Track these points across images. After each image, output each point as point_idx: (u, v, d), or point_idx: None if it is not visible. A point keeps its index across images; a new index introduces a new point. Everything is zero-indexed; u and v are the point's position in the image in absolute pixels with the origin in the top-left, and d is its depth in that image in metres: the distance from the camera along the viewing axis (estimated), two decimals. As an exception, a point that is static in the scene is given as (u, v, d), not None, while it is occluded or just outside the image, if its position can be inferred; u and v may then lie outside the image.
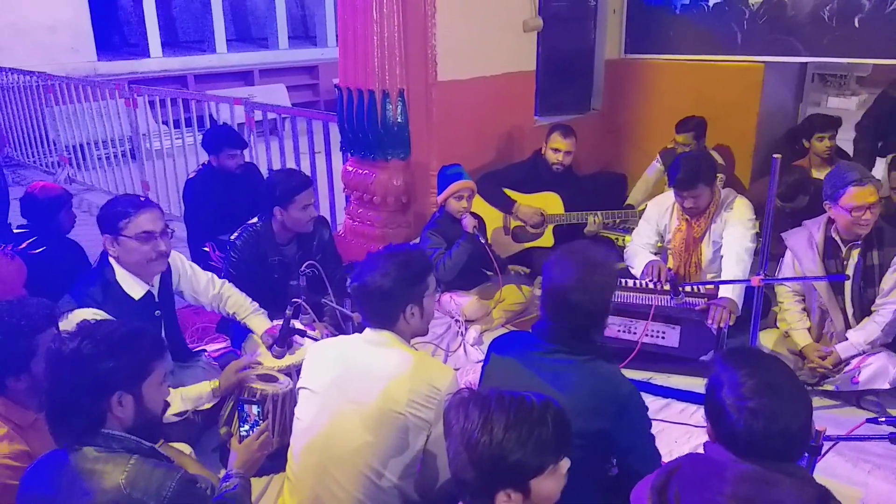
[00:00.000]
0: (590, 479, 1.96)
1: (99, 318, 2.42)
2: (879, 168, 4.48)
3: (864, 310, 3.05)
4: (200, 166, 4.70)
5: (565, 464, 1.50)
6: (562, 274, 1.97)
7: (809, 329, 3.22)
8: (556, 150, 4.31)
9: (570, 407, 1.81)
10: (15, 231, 3.84)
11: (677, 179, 3.40)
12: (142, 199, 2.67)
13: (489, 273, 3.96)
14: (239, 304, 3.04)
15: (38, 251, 3.65)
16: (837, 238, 3.04)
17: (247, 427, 2.24)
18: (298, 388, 2.19)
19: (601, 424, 1.89)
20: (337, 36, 4.55)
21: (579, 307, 1.96)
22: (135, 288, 2.65)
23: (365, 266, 2.11)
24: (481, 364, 3.39)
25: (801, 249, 3.11)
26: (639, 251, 3.67)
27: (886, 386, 2.98)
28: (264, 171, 5.13)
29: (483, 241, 3.65)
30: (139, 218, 2.55)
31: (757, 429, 1.45)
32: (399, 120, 4.34)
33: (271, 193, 3.30)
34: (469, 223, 3.65)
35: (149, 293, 2.69)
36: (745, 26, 4.73)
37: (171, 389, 2.18)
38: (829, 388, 3.09)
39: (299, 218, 3.30)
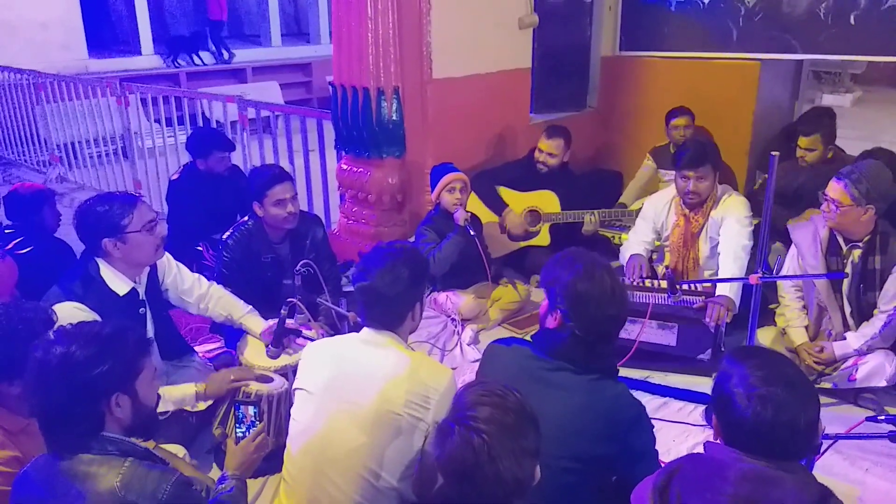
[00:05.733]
0: (590, 494, 1.92)
1: (81, 311, 2.41)
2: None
3: (861, 310, 3.04)
4: (182, 167, 4.64)
5: None
6: (591, 282, 1.86)
7: (807, 326, 3.22)
8: (540, 151, 4.34)
9: (573, 429, 1.83)
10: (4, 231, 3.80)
11: (686, 157, 3.41)
12: (121, 193, 2.68)
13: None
14: (231, 305, 3.00)
15: (25, 251, 3.61)
16: (839, 236, 3.04)
17: (243, 428, 2.21)
18: (294, 389, 2.17)
19: (606, 449, 1.84)
20: (331, 33, 4.52)
21: (611, 318, 1.89)
22: (120, 285, 2.61)
23: (369, 266, 2.06)
24: (477, 364, 3.42)
25: (805, 244, 3.10)
26: (630, 248, 3.67)
27: (884, 384, 2.98)
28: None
29: (473, 234, 3.63)
30: (138, 210, 2.57)
31: (765, 418, 1.43)
32: (394, 118, 4.32)
33: (249, 189, 3.29)
34: (461, 216, 3.63)
35: (133, 290, 2.66)
36: (741, 23, 4.72)
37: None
38: (827, 385, 3.08)
39: (276, 214, 3.24)
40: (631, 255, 3.58)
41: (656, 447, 1.99)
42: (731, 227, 3.38)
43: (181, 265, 2.94)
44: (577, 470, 1.84)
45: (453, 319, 3.81)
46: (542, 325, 2.00)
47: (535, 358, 1.94)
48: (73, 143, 7.42)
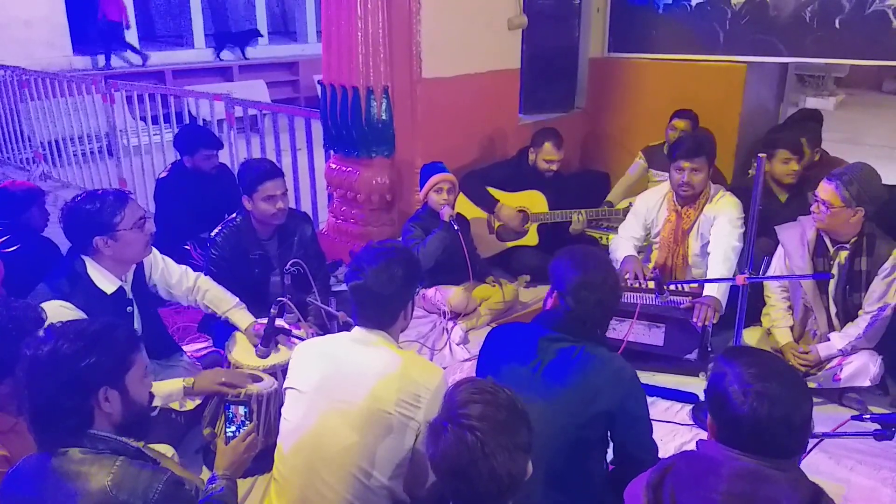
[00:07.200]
0: (586, 472, 1.98)
1: (67, 310, 2.40)
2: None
3: (847, 311, 3.08)
4: (170, 165, 4.61)
5: None
6: (592, 271, 2.03)
7: (792, 327, 3.25)
8: (550, 161, 4.34)
9: (577, 389, 1.94)
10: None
11: (681, 148, 3.46)
12: (110, 190, 2.67)
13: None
14: (218, 297, 3.01)
15: (11, 249, 3.57)
16: (826, 238, 3.07)
17: (233, 428, 2.20)
18: (285, 389, 2.16)
19: (605, 406, 1.94)
20: (318, 32, 4.51)
21: (605, 304, 2.04)
22: (107, 284, 2.60)
23: (362, 265, 2.06)
24: (467, 363, 3.43)
25: (793, 245, 3.13)
26: (621, 244, 3.68)
27: (867, 383, 3.00)
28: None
29: (457, 230, 3.64)
30: (128, 208, 2.57)
31: (762, 413, 1.44)
32: (383, 117, 4.31)
33: (240, 182, 3.29)
34: (446, 212, 3.65)
35: (120, 289, 2.65)
36: (728, 26, 4.76)
37: None
38: (812, 385, 3.10)
39: (265, 209, 3.23)
40: (626, 257, 3.58)
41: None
42: (722, 227, 3.41)
43: (167, 259, 2.95)
44: (583, 426, 1.94)
45: (444, 313, 3.81)
46: (545, 307, 2.17)
47: (538, 332, 2.07)
48: (57, 141, 7.34)
